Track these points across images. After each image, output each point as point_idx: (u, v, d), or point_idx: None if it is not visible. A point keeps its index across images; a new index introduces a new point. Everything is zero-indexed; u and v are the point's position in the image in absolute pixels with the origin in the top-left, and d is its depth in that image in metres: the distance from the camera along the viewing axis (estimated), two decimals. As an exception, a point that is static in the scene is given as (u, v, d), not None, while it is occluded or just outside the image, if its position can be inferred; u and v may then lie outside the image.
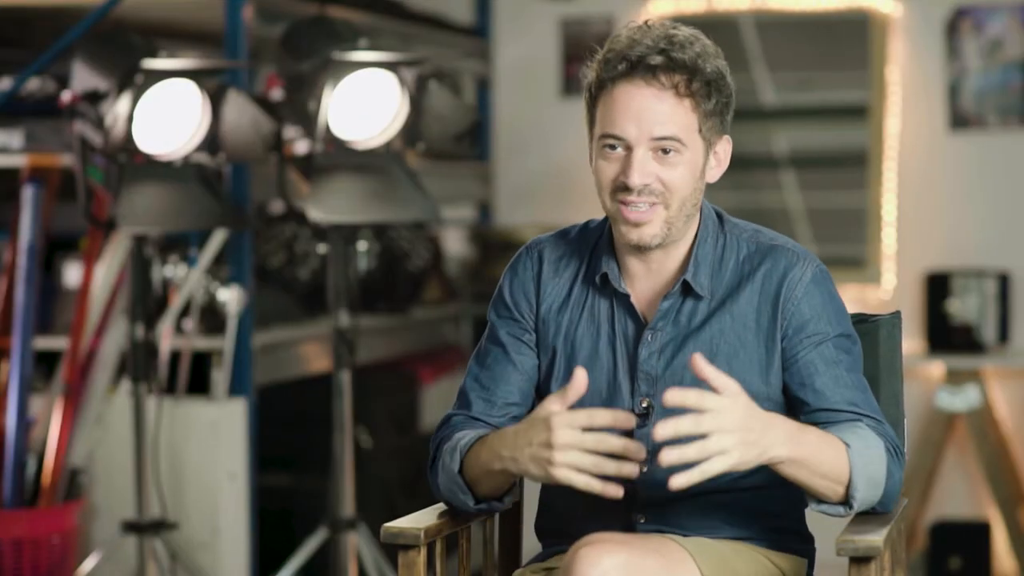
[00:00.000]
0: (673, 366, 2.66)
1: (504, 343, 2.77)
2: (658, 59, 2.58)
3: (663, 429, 2.38)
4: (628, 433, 2.62)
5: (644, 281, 2.72)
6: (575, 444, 2.46)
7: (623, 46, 2.61)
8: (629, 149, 2.61)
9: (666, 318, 2.68)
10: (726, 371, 2.58)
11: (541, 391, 2.76)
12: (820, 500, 2.58)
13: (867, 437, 2.59)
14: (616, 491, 2.46)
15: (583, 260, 2.77)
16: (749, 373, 2.65)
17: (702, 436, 2.40)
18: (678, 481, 2.39)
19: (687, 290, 2.68)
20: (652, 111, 2.59)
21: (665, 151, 2.61)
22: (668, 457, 2.37)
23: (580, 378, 2.48)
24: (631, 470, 2.44)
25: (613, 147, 2.63)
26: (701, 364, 2.43)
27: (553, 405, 2.49)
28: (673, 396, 2.39)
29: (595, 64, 2.65)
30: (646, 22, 2.66)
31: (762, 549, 2.71)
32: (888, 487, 2.62)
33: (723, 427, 2.40)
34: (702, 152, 2.65)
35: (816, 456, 2.52)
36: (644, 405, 2.67)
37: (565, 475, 2.47)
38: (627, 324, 2.71)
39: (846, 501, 2.57)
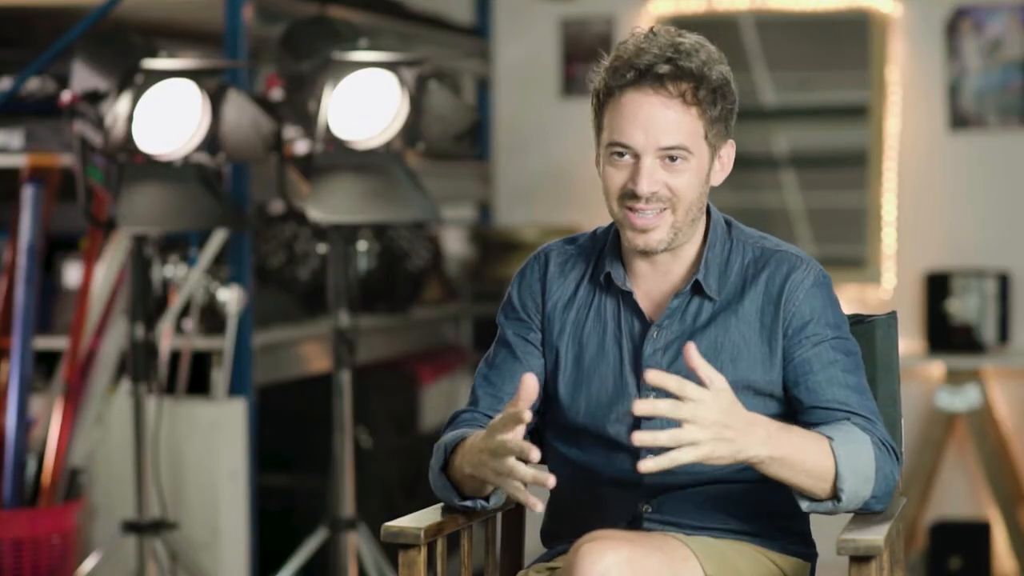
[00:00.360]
0: (677, 363, 2.69)
1: (511, 343, 2.81)
2: (665, 68, 2.62)
3: (641, 406, 2.43)
4: (636, 430, 2.65)
5: (650, 282, 2.76)
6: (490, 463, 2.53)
7: (630, 54, 2.65)
8: (637, 157, 2.65)
9: (673, 316, 2.72)
10: (730, 369, 2.67)
11: (548, 388, 2.80)
12: (809, 498, 2.60)
13: (851, 431, 2.62)
14: (535, 503, 2.50)
15: (590, 263, 2.81)
16: (752, 372, 2.68)
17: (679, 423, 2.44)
18: (645, 465, 2.42)
19: (697, 290, 2.72)
20: (660, 120, 2.63)
21: (672, 158, 2.65)
22: (641, 438, 2.41)
23: (528, 384, 2.51)
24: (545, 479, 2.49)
25: (621, 154, 2.67)
26: (692, 353, 2.46)
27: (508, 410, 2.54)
28: (655, 377, 2.43)
29: (602, 71, 2.69)
30: (652, 29, 2.70)
31: (765, 550, 2.73)
32: (883, 484, 2.63)
33: (699, 418, 2.43)
34: (707, 158, 2.69)
35: (799, 453, 2.55)
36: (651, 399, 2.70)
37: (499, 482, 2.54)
38: (633, 322, 2.75)
39: (835, 496, 2.59)
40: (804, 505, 2.61)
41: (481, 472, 2.58)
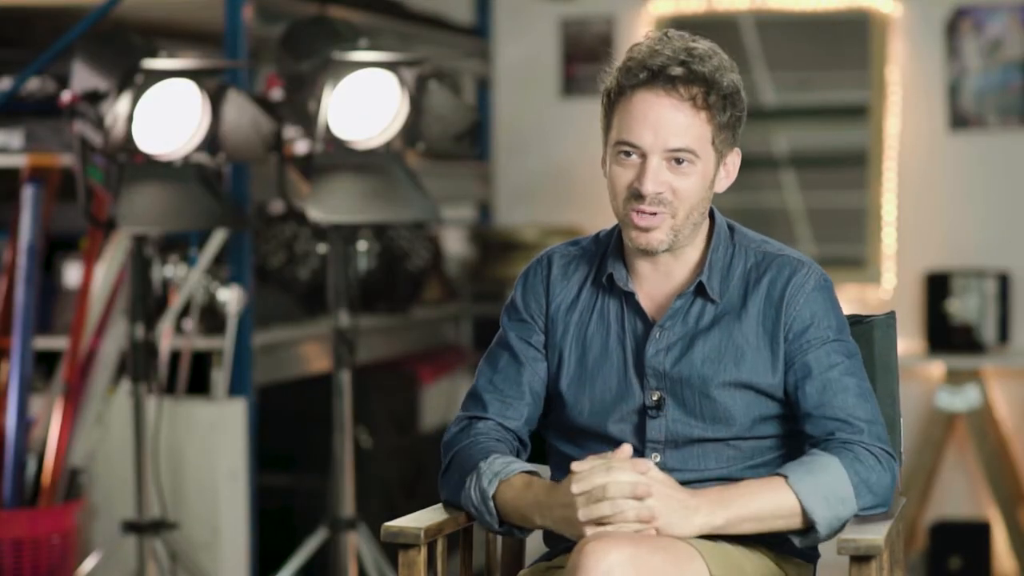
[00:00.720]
0: (680, 364, 2.72)
1: (514, 346, 2.83)
2: (678, 70, 2.65)
3: (578, 466, 2.57)
4: (641, 429, 2.73)
5: (652, 283, 2.78)
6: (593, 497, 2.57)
7: (644, 55, 2.67)
8: (644, 157, 2.67)
9: (675, 317, 2.74)
10: (733, 371, 2.71)
11: (551, 391, 2.82)
12: (793, 534, 2.64)
13: (812, 460, 2.65)
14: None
15: (593, 265, 2.84)
16: (755, 375, 2.71)
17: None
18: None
19: (699, 292, 2.74)
20: (669, 121, 2.65)
21: (679, 161, 2.67)
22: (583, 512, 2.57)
23: (624, 450, 2.59)
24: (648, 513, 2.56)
25: (628, 154, 2.69)
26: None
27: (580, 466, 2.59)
28: (580, 466, 2.57)
29: (614, 71, 2.71)
30: (665, 32, 2.73)
31: (768, 550, 2.73)
32: (869, 496, 2.65)
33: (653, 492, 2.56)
34: (713, 163, 2.72)
35: (753, 505, 2.61)
36: (655, 398, 2.73)
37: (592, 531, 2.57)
38: (636, 323, 2.77)
39: (812, 527, 2.62)
40: (796, 541, 2.65)
41: (571, 528, 2.59)
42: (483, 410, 2.80)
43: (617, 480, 2.54)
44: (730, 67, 2.71)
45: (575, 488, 2.56)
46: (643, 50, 2.68)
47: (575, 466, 2.58)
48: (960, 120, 5.96)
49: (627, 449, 2.59)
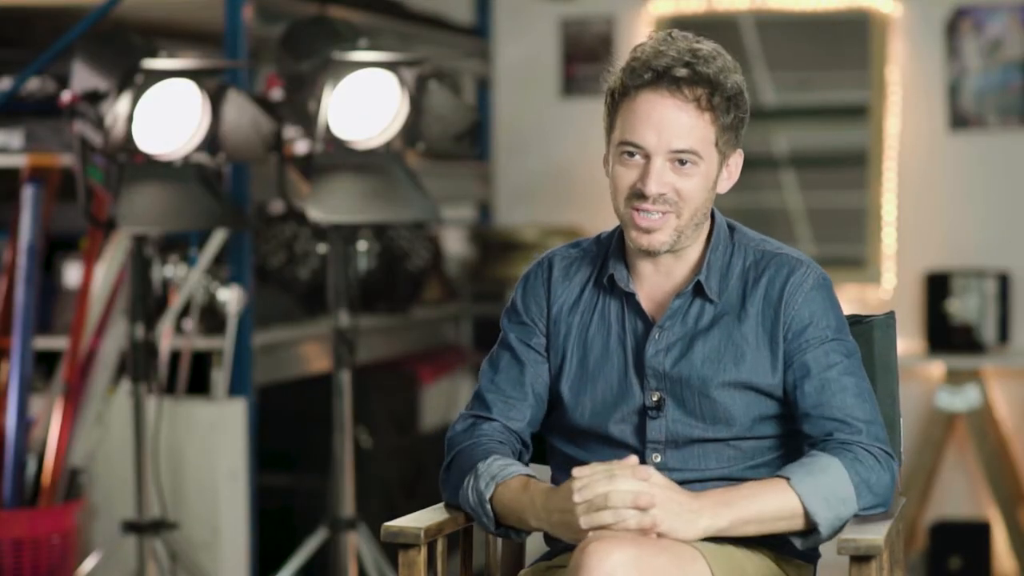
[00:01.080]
0: (679, 364, 2.73)
1: (515, 348, 2.84)
2: (683, 72, 2.65)
3: (578, 471, 2.56)
4: (641, 429, 2.73)
5: (653, 283, 2.79)
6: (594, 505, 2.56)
7: (648, 55, 2.68)
8: (647, 158, 2.68)
9: (674, 317, 2.75)
10: (734, 372, 2.72)
11: (552, 392, 2.83)
12: (795, 535, 2.64)
13: (813, 461, 2.65)
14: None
15: (594, 266, 2.84)
16: (755, 375, 2.72)
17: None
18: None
19: (698, 291, 2.75)
20: (673, 122, 2.66)
21: (682, 162, 2.68)
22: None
23: (630, 459, 2.59)
24: (650, 521, 2.55)
25: (632, 154, 2.69)
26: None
27: (580, 471, 2.59)
28: (581, 472, 2.56)
29: (618, 71, 2.71)
30: (669, 33, 2.73)
31: (769, 553, 2.74)
32: (869, 496, 2.66)
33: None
34: (716, 164, 2.72)
35: (755, 506, 2.61)
36: (655, 399, 2.74)
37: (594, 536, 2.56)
38: (636, 323, 2.78)
39: (814, 528, 2.63)
40: (797, 543, 2.65)
41: (569, 533, 2.59)
42: (487, 411, 2.81)
43: (619, 489, 2.53)
44: (734, 68, 2.71)
45: (577, 497, 2.55)
46: (647, 50, 2.68)
47: (576, 472, 2.58)
48: (960, 120, 5.96)
49: (632, 459, 2.59)
